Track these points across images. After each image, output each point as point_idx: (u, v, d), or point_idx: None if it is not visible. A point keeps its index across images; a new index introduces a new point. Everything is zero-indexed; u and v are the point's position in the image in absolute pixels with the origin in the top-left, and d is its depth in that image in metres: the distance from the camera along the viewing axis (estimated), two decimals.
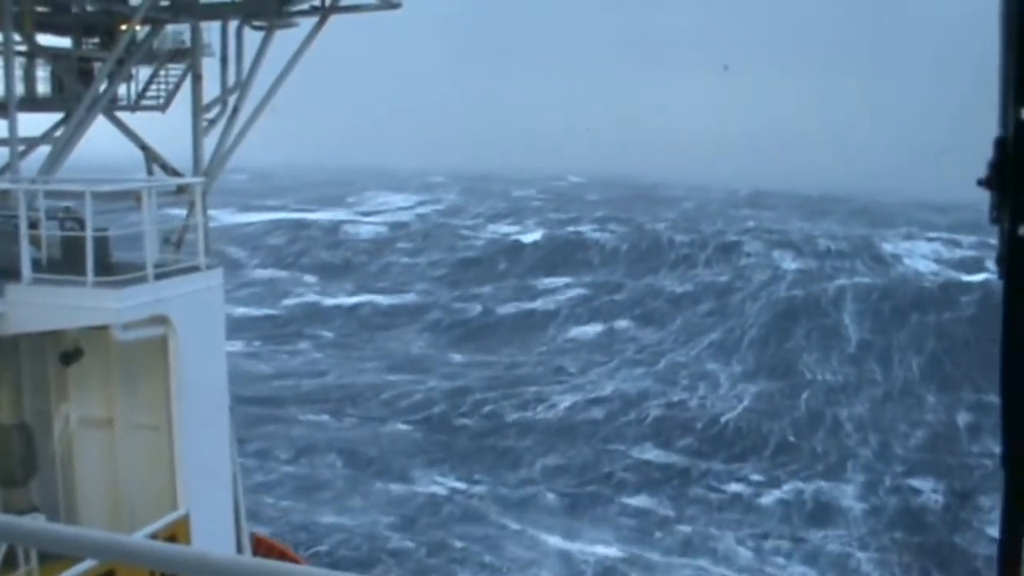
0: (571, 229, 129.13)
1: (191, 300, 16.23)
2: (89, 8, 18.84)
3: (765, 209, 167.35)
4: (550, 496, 51.22)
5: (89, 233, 14.84)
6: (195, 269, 16.56)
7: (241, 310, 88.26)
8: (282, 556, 23.44)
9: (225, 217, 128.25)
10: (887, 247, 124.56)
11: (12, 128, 17.05)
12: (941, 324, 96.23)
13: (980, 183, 3.65)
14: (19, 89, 17.87)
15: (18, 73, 18.24)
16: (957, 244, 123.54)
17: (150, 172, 19.67)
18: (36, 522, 3.43)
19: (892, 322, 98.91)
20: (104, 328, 15.28)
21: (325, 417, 60.71)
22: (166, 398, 16.27)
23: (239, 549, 19.53)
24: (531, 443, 59.33)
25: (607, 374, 79.04)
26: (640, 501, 51.99)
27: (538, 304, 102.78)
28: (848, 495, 56.08)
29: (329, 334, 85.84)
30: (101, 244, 15.42)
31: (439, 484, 51.74)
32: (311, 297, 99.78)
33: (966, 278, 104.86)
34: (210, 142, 19.40)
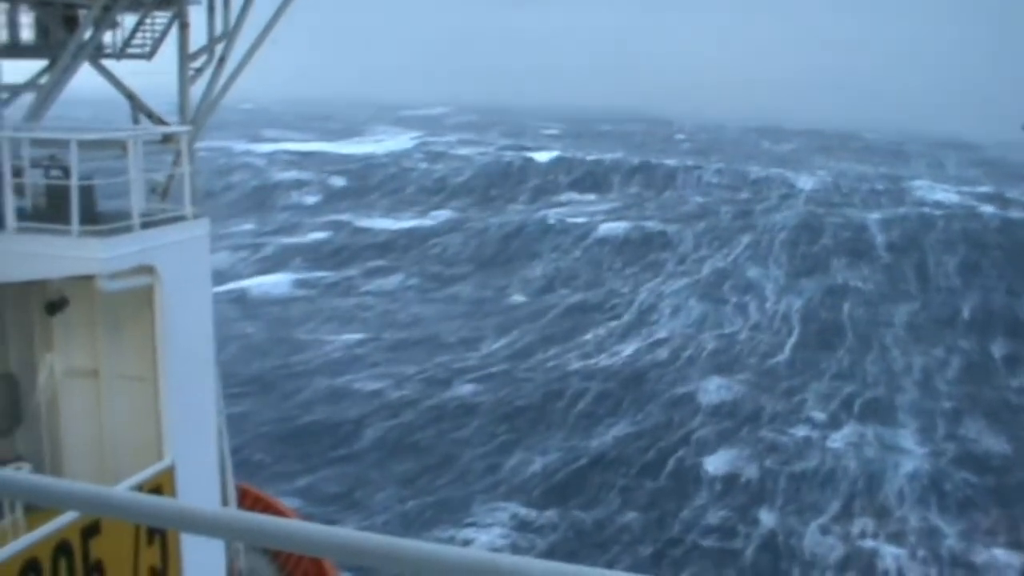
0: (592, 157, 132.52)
1: (177, 250, 16.11)
2: None
3: (783, 143, 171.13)
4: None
5: (75, 182, 14.69)
6: (182, 219, 16.43)
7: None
8: (268, 508, 23.44)
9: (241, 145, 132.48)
10: (908, 179, 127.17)
11: None
12: (968, 232, 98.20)
13: None
14: (2, 36, 17.72)
15: (1, 20, 18.10)
16: (978, 182, 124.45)
17: (136, 121, 19.51)
18: (20, 473, 3.33)
19: (920, 228, 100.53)
20: (90, 278, 15.15)
21: (379, 382, 59.76)
22: (152, 348, 16.16)
23: (224, 500, 19.49)
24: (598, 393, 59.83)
25: (656, 291, 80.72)
26: (721, 460, 52.31)
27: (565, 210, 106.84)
28: (908, 439, 56.64)
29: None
30: (87, 193, 15.25)
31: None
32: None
33: (988, 208, 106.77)
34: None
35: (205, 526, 2.93)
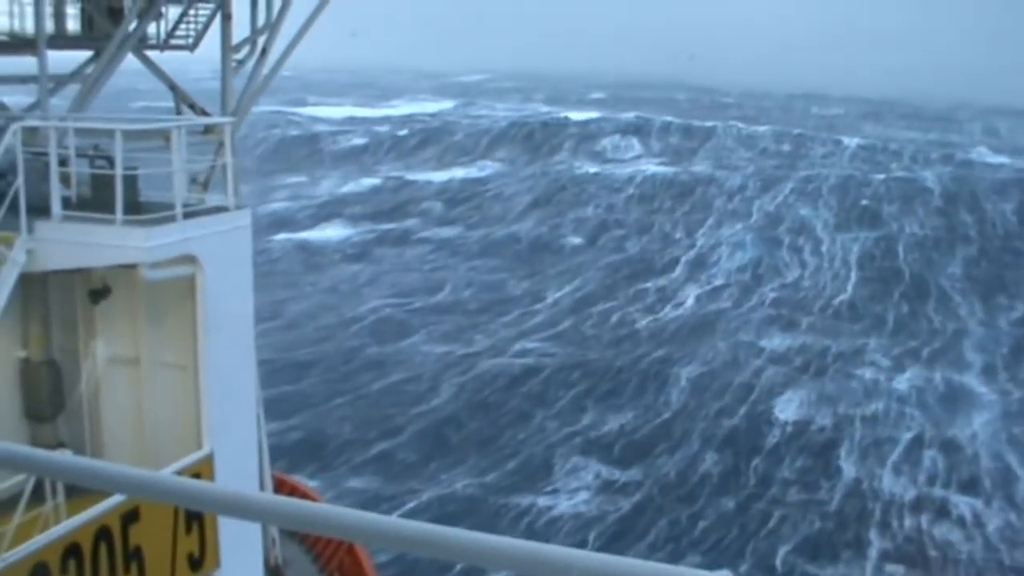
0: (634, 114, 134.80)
1: (219, 240, 16.27)
2: None
3: (831, 108, 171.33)
4: None
5: (119, 172, 14.84)
6: (223, 209, 16.60)
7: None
8: (304, 497, 23.63)
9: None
10: (959, 144, 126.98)
11: (42, 65, 17.05)
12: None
13: None
14: (49, 27, 17.87)
15: (48, 11, 18.26)
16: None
17: (179, 112, 19.66)
18: (65, 456, 3.46)
19: (973, 176, 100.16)
20: (132, 267, 15.34)
21: (446, 343, 60.01)
22: (193, 337, 16.35)
23: (261, 489, 19.69)
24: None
25: (710, 233, 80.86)
26: (791, 405, 52.44)
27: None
28: (975, 380, 56.60)
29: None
30: (130, 183, 15.41)
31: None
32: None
33: None
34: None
35: (246, 510, 3.04)
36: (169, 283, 16.03)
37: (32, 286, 16.16)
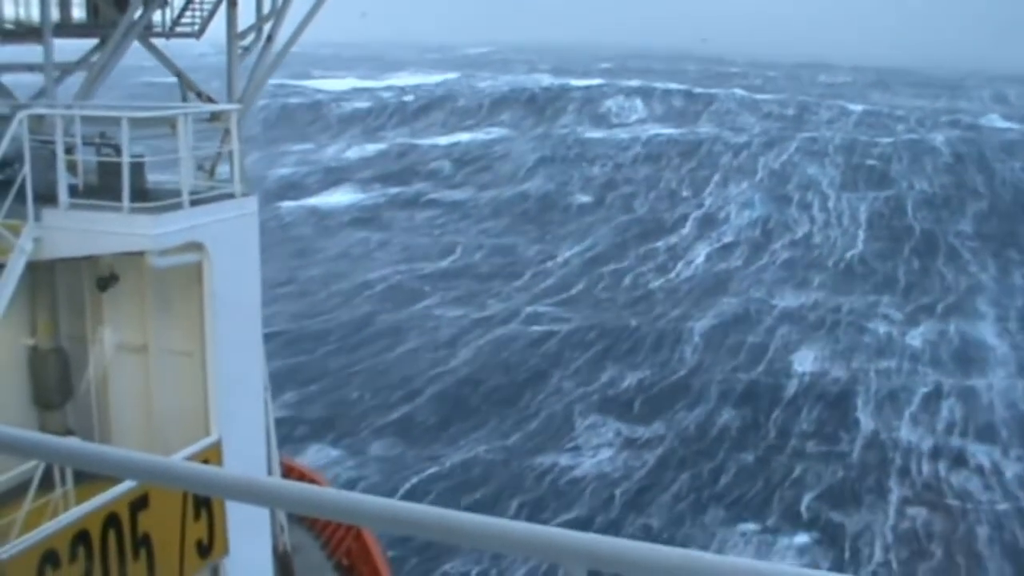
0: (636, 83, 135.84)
1: (226, 227, 16.34)
2: None
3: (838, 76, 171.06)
4: None
5: (125, 159, 14.89)
6: (230, 196, 16.67)
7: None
8: (313, 483, 23.85)
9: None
10: (968, 110, 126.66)
11: (48, 53, 17.09)
12: None
13: None
14: (54, 15, 17.90)
15: None
16: None
17: (184, 99, 19.69)
18: (72, 441, 3.56)
19: (982, 139, 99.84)
20: (140, 254, 15.44)
21: (461, 310, 60.28)
22: (200, 324, 16.47)
23: (269, 475, 19.82)
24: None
25: (718, 192, 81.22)
26: (807, 358, 52.84)
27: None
28: (989, 332, 56.90)
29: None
30: (137, 170, 15.49)
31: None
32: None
33: None
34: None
35: (255, 495, 3.13)
36: (176, 270, 16.12)
37: (40, 274, 16.29)
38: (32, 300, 16.57)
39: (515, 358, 52.38)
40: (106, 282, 16.80)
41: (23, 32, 18.11)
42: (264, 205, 17.92)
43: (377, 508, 2.95)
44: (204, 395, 16.61)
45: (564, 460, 42.98)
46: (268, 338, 22.16)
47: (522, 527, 2.82)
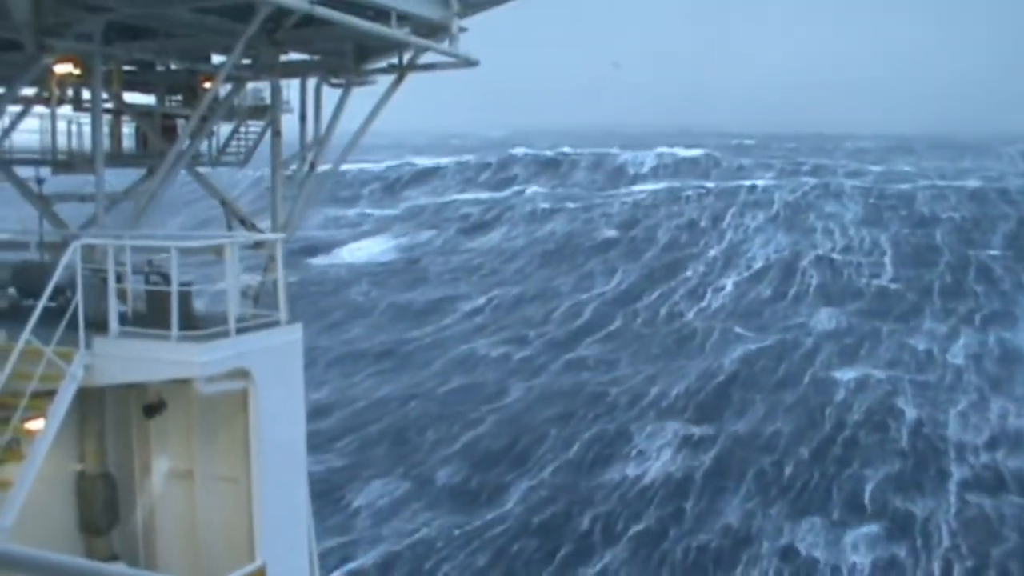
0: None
1: (271, 354, 16.47)
2: (173, 67, 19.24)
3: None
4: None
5: (175, 288, 15.11)
6: (275, 323, 16.84)
7: None
8: None
9: None
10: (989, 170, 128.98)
11: (99, 184, 17.44)
12: None
13: None
14: (106, 145, 18.28)
15: (105, 130, 18.68)
16: None
17: (230, 227, 19.98)
18: (120, 568, 3.66)
19: (1004, 179, 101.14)
20: (187, 381, 15.57)
21: (502, 349, 61.86)
22: (245, 450, 16.54)
23: None
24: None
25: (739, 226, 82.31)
26: (850, 371, 54.47)
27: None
28: None
29: None
30: (185, 298, 15.69)
31: None
32: None
33: None
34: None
35: None
36: (222, 396, 16.24)
37: (89, 400, 16.43)
38: (81, 426, 16.70)
39: (564, 385, 54.98)
40: (154, 409, 16.95)
41: (75, 163, 18.51)
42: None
43: None
44: (249, 521, 16.61)
45: (627, 468, 44.99)
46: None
47: None
